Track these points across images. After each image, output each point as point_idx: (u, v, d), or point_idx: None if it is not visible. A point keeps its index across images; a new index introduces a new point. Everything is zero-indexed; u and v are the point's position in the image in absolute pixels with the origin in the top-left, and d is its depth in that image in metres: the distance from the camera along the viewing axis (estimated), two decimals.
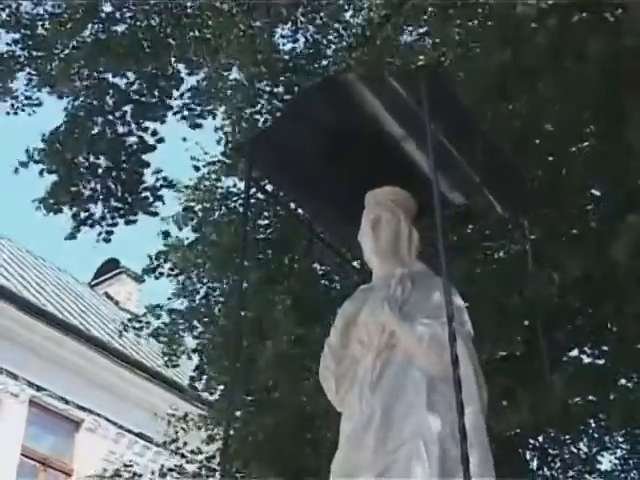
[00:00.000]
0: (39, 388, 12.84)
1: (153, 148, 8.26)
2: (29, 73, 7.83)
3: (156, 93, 8.04)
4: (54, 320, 13.03)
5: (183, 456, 8.91)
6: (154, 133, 8.24)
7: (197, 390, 9.17)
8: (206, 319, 8.34)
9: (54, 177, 7.99)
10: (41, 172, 8.05)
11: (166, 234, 8.49)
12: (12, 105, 8.08)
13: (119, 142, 8.11)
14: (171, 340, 8.91)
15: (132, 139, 8.22)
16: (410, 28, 6.91)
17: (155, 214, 8.30)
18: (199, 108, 8.17)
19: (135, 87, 8.00)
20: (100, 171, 8.10)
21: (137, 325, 9.62)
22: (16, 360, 12.56)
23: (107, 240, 8.24)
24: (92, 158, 8.02)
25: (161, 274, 8.58)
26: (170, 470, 8.76)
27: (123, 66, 7.74)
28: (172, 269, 8.47)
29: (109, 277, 18.37)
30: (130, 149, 8.16)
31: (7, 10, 7.57)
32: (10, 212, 32.95)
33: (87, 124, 7.94)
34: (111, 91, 7.99)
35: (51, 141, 7.91)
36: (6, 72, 7.72)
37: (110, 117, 8.04)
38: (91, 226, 8.18)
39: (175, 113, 8.21)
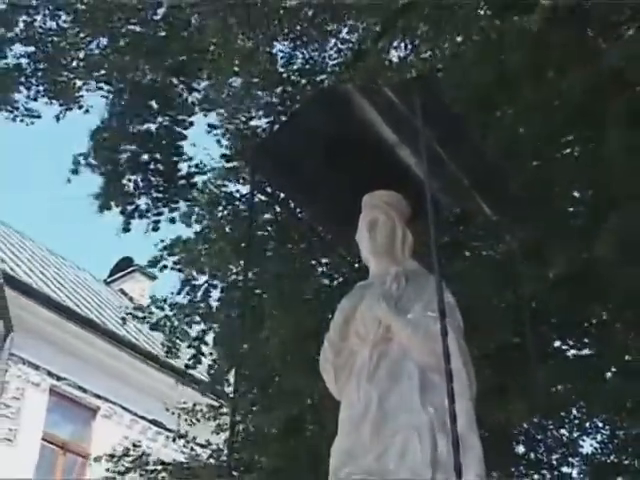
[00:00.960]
0: (59, 378, 12.87)
1: (184, 136, 8.22)
2: (31, 83, 7.80)
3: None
4: (73, 314, 13.07)
5: (192, 449, 8.88)
6: (181, 122, 8.18)
7: (211, 382, 9.08)
8: (206, 311, 8.27)
9: (97, 179, 8.02)
10: (97, 172, 8.04)
11: (172, 221, 8.40)
12: (12, 114, 8.03)
13: (152, 135, 8.07)
14: (171, 332, 8.87)
15: (162, 131, 8.18)
16: (403, 43, 6.89)
17: (193, 200, 8.23)
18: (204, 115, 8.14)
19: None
20: (140, 166, 8.08)
21: (140, 315, 9.57)
22: (37, 352, 12.59)
23: (155, 229, 8.26)
24: (129, 154, 8.01)
25: (165, 267, 8.51)
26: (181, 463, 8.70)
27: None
28: (176, 262, 8.40)
29: (123, 275, 18.41)
30: (163, 140, 8.10)
31: (22, 24, 7.55)
32: (32, 214, 32.98)
33: (122, 122, 7.91)
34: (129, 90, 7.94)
35: (95, 142, 7.91)
36: (10, 84, 7.70)
37: (138, 114, 8.01)
38: (140, 217, 8.18)
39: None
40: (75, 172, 8.12)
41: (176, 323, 8.71)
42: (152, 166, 8.12)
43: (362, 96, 3.84)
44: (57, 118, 8.13)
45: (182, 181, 8.24)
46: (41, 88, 7.80)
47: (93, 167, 8.02)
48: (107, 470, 8.86)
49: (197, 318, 8.46)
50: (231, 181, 7.92)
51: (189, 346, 8.79)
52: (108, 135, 7.88)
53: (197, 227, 8.20)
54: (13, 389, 12.31)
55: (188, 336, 8.72)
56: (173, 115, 8.10)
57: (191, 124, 8.20)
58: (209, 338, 8.62)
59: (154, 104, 8.05)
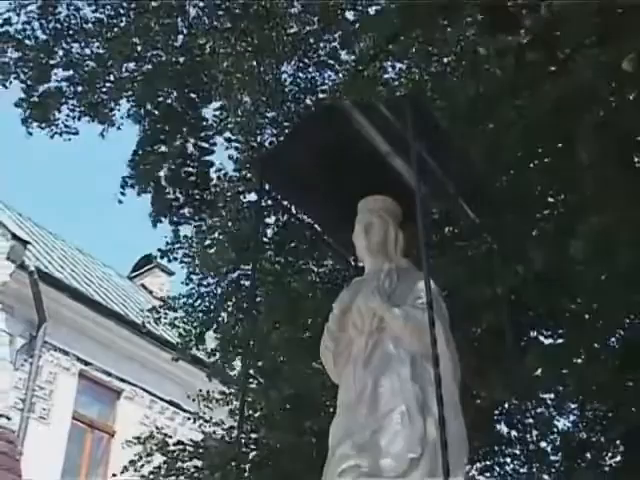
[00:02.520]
0: (87, 363, 12.87)
1: (212, 151, 8.21)
2: (71, 104, 7.80)
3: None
4: (99, 307, 13.07)
5: (204, 433, 8.86)
6: (206, 138, 8.16)
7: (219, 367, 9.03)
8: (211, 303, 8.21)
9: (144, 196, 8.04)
10: (139, 193, 8.05)
11: (181, 217, 8.36)
12: (52, 131, 8.03)
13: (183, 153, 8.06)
14: (186, 330, 8.80)
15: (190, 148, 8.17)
16: (396, 64, 6.89)
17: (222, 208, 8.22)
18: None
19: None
20: (178, 180, 8.07)
21: (156, 316, 9.54)
22: (68, 339, 12.60)
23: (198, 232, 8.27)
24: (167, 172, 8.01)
25: (175, 258, 8.44)
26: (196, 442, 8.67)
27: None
28: (185, 255, 8.34)
29: (145, 271, 18.38)
30: (193, 156, 8.10)
31: (61, 52, 7.55)
32: (62, 216, 33.03)
33: (157, 144, 7.92)
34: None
35: (137, 164, 7.92)
36: (52, 105, 7.70)
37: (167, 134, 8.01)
38: (187, 223, 8.20)
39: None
40: (123, 194, 8.13)
41: (188, 323, 8.64)
42: (189, 179, 8.09)
43: (359, 111, 3.84)
44: (102, 135, 8.21)
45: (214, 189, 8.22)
46: (79, 109, 7.81)
47: (136, 187, 8.02)
48: (136, 455, 8.84)
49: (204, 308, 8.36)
50: (241, 190, 7.88)
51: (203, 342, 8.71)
52: (144, 156, 7.86)
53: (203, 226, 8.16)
54: (46, 373, 12.31)
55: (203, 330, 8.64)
56: (198, 134, 8.07)
57: (214, 144, 8.19)
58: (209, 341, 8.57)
59: (178, 124, 8.02)
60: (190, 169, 8.07)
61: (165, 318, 9.41)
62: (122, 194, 8.11)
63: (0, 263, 11.83)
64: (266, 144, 7.31)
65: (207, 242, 7.99)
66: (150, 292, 17.37)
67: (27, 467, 11.24)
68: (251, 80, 7.00)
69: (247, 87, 7.10)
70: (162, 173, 7.98)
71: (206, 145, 8.11)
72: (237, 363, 8.58)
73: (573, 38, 4.98)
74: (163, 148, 7.94)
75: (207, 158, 8.13)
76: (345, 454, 3.39)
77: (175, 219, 8.12)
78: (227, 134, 8.10)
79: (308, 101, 7.36)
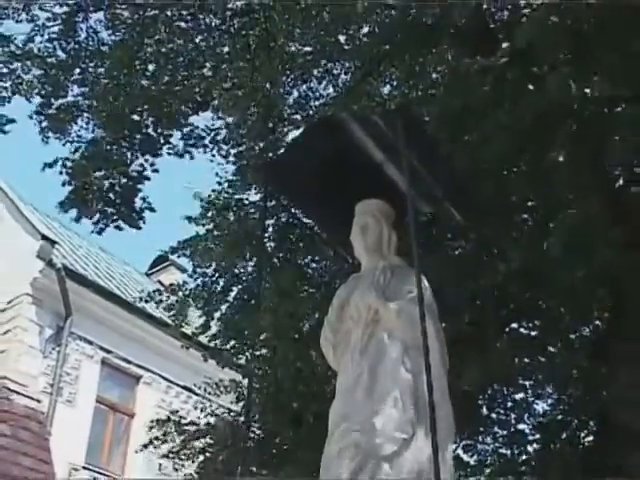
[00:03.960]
0: (109, 351, 12.85)
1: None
2: (85, 117, 7.77)
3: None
4: (120, 300, 13.04)
5: (213, 414, 8.82)
6: (152, 164, 8.00)
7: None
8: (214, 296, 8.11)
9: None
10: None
11: (189, 218, 8.16)
12: (64, 139, 7.97)
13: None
14: (180, 314, 8.71)
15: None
16: (387, 79, 6.85)
17: (209, 203, 8.03)
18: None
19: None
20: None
21: (157, 298, 9.38)
22: (92, 330, 12.59)
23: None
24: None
25: (185, 255, 8.35)
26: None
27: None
28: (192, 252, 8.24)
29: (161, 268, 18.34)
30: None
31: (78, 70, 7.53)
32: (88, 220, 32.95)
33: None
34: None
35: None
36: (68, 118, 7.67)
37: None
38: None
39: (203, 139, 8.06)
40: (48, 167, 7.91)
41: (187, 305, 8.53)
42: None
43: (355, 123, 3.82)
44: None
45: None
46: (93, 122, 7.77)
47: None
48: (153, 435, 8.81)
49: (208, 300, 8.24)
50: (241, 191, 7.78)
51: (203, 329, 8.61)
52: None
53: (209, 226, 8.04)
54: (72, 360, 12.29)
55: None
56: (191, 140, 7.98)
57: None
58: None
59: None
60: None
61: (175, 309, 9.26)
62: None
63: (30, 261, 11.85)
64: (265, 152, 7.23)
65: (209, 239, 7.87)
66: (167, 287, 17.33)
67: (55, 445, 11.24)
68: (251, 93, 6.95)
69: (247, 99, 7.04)
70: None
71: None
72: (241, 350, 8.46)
73: (546, 59, 4.97)
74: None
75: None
76: (344, 434, 3.38)
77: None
78: (219, 138, 7.99)
79: (305, 113, 7.30)
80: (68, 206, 7.90)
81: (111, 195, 7.90)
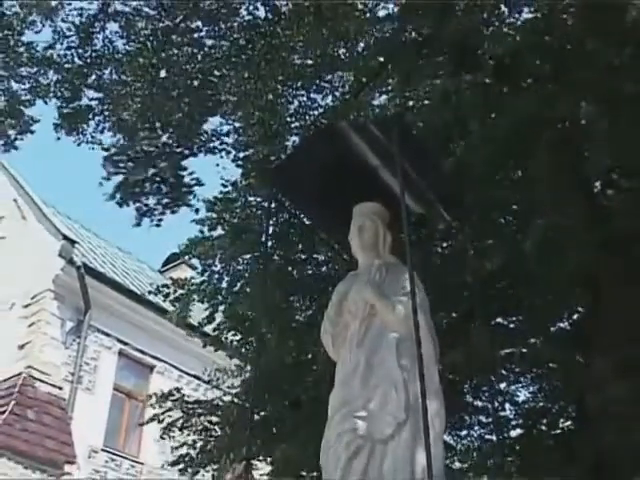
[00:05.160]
0: (125, 343, 12.84)
1: (187, 156, 7.92)
2: (99, 120, 7.73)
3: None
4: (136, 296, 13.01)
5: (224, 392, 8.75)
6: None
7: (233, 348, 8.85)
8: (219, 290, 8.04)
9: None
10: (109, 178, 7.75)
11: (197, 215, 7.98)
12: (79, 140, 7.91)
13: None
14: (182, 305, 8.62)
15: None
16: (382, 90, 6.80)
17: (190, 206, 7.94)
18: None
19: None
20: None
21: (165, 291, 9.23)
22: (110, 323, 12.57)
23: (159, 225, 8.00)
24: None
25: (193, 255, 8.27)
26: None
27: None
28: (201, 252, 8.17)
29: (173, 265, 18.31)
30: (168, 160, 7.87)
31: (94, 76, 7.50)
32: (104, 219, 32.99)
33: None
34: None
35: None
36: (82, 119, 7.63)
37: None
38: (148, 216, 7.92)
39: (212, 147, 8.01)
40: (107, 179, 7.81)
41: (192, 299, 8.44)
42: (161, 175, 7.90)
43: (353, 131, 3.79)
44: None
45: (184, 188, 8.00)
46: (106, 124, 7.74)
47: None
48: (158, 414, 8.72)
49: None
50: (245, 193, 7.72)
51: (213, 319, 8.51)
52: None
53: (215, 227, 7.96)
54: (91, 351, 12.27)
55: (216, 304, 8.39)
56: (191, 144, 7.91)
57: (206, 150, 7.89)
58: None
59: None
60: (165, 170, 7.84)
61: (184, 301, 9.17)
62: (107, 179, 7.76)
63: (53, 260, 11.84)
64: (269, 157, 7.19)
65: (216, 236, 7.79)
66: (174, 282, 17.26)
67: (76, 429, 11.23)
68: (256, 101, 6.91)
69: (252, 107, 7.00)
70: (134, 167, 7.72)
71: (178, 150, 7.85)
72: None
73: (528, 74, 4.95)
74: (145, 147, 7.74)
75: (183, 163, 7.87)
76: (342, 419, 3.37)
77: (140, 207, 7.84)
78: (228, 142, 7.93)
79: (306, 121, 7.26)
80: (121, 197, 7.74)
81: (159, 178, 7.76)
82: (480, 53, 5.44)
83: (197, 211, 7.80)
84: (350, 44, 6.67)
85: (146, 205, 7.89)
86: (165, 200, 7.89)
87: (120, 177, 7.80)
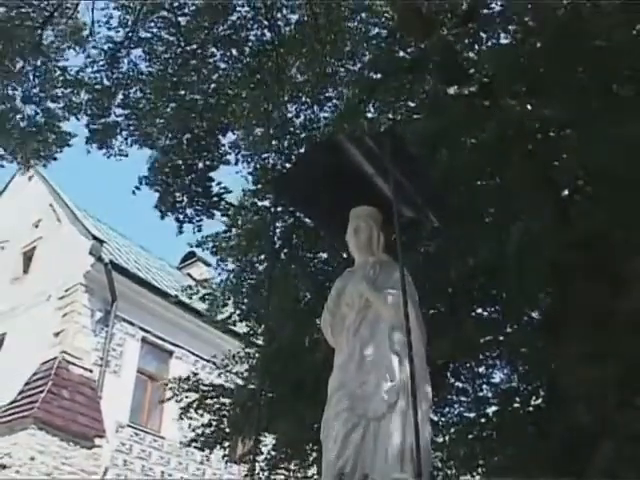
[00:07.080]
0: (147, 331, 12.81)
1: (216, 167, 7.87)
2: (127, 134, 7.70)
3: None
4: (157, 289, 13.00)
5: (236, 375, 8.70)
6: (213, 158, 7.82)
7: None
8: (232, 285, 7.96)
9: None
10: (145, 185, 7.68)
11: (209, 217, 7.96)
12: (108, 153, 7.87)
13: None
14: (211, 304, 8.58)
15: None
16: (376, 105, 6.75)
17: (226, 209, 7.83)
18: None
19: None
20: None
21: (190, 292, 9.30)
22: (133, 314, 12.55)
23: (200, 230, 7.92)
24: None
25: (207, 249, 8.21)
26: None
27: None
28: (214, 247, 8.10)
29: (190, 263, 18.29)
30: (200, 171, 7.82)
31: (121, 95, 7.50)
32: (129, 220, 32.92)
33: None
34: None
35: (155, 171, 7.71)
36: (110, 134, 7.60)
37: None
38: (189, 222, 7.83)
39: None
40: (139, 188, 7.74)
41: (216, 296, 8.40)
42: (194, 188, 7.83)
43: (350, 143, 3.75)
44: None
45: (215, 198, 7.95)
46: (131, 138, 7.72)
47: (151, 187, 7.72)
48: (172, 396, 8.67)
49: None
50: (257, 198, 7.67)
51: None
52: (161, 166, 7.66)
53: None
54: (117, 338, 12.25)
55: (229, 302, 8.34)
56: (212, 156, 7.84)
57: (224, 162, 7.86)
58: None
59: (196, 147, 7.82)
60: (195, 181, 7.78)
61: (199, 294, 9.13)
62: (137, 188, 7.71)
63: (84, 257, 11.84)
64: (276, 166, 7.13)
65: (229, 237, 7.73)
66: (194, 279, 17.25)
67: (105, 408, 11.20)
68: (264, 115, 6.87)
69: (259, 121, 6.96)
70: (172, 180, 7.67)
71: (209, 163, 7.78)
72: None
73: (508, 89, 4.89)
74: (178, 162, 7.67)
75: (211, 175, 7.83)
76: (340, 400, 3.33)
77: (180, 217, 7.80)
78: (241, 154, 7.86)
79: (308, 133, 7.22)
80: (161, 210, 7.66)
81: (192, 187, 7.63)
82: (465, 69, 5.39)
83: (228, 216, 7.74)
84: (347, 62, 6.65)
85: (185, 215, 7.83)
86: (198, 207, 7.82)
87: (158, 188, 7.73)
